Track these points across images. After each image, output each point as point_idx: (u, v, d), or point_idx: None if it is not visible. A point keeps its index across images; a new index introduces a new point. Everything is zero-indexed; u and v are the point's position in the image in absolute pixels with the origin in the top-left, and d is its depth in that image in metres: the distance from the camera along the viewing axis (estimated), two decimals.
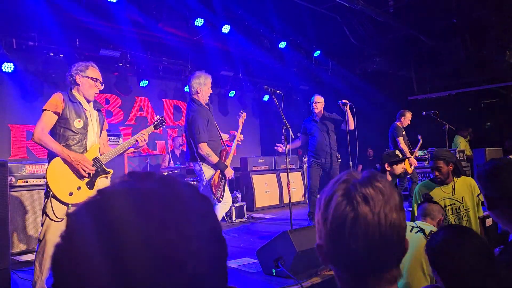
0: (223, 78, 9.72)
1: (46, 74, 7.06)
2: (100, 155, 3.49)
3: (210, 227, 0.58)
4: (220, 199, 4.46)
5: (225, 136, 4.85)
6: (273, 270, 3.57)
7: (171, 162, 8.06)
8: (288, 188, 4.87)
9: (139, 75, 8.56)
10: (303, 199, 9.09)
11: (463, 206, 3.69)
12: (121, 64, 8.01)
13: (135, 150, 3.74)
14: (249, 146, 10.14)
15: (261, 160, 8.69)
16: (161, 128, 3.94)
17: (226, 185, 4.60)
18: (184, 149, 8.66)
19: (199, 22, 7.51)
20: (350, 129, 6.07)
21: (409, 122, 7.58)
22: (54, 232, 3.14)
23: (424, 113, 8.31)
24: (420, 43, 9.77)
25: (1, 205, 3.31)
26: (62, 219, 3.17)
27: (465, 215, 3.68)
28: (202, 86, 4.53)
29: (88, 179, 3.34)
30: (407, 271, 2.43)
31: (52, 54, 7.04)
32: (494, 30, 8.82)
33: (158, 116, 3.91)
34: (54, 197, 3.18)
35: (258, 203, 8.20)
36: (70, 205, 3.21)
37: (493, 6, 8.43)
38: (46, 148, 3.22)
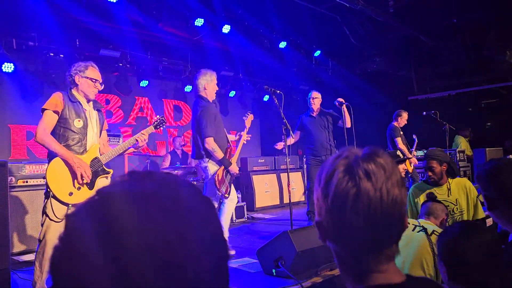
0: (223, 78, 9.71)
1: (46, 74, 7.05)
2: (100, 155, 3.49)
3: (211, 228, 0.57)
4: (226, 195, 4.48)
5: (231, 137, 4.88)
6: (273, 270, 3.57)
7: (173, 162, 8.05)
8: (288, 188, 4.88)
9: (139, 75, 8.55)
10: (304, 199, 9.08)
11: (457, 208, 3.65)
12: (121, 64, 8.01)
13: (135, 150, 3.74)
14: (249, 146, 10.13)
15: (261, 160, 8.69)
16: (161, 128, 3.94)
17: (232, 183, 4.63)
18: (185, 149, 8.69)
19: (199, 22, 7.51)
20: (348, 127, 6.09)
21: (406, 122, 7.58)
22: (54, 232, 3.14)
23: (424, 113, 8.31)
24: (420, 43, 9.77)
25: (1, 205, 3.31)
26: (62, 219, 3.17)
27: (459, 217, 3.63)
28: (209, 82, 4.60)
29: (90, 178, 3.34)
30: (408, 270, 2.43)
31: (52, 54, 7.04)
32: (494, 30, 8.81)
33: (158, 116, 3.91)
34: (54, 197, 3.18)
35: (258, 203, 8.20)
36: (70, 205, 3.21)
37: (493, 6, 8.43)
38: (48, 148, 3.22)
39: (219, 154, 4.42)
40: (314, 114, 6.35)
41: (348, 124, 6.10)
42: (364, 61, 10.56)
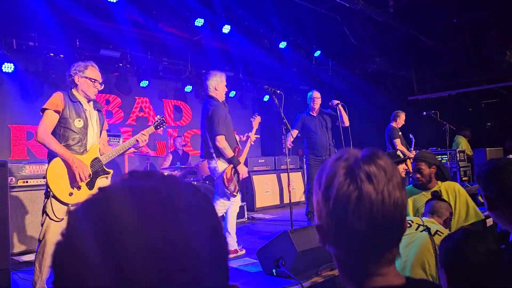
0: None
1: (46, 74, 7.05)
2: (100, 155, 3.50)
3: (211, 226, 0.58)
4: (235, 194, 4.54)
5: (238, 138, 4.93)
6: (274, 270, 3.57)
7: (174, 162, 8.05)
8: (288, 188, 4.89)
9: (139, 75, 8.55)
10: (304, 199, 9.08)
11: None
12: (121, 64, 8.01)
13: (135, 150, 3.74)
14: (250, 146, 10.13)
15: (262, 160, 8.69)
16: (161, 128, 3.95)
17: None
18: (185, 150, 8.70)
19: (199, 22, 7.51)
20: (346, 126, 6.13)
21: (404, 122, 7.59)
22: (54, 232, 3.15)
23: (424, 113, 8.31)
24: (420, 43, 9.77)
25: (1, 205, 3.31)
26: (62, 219, 3.17)
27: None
28: (219, 83, 4.68)
29: (88, 179, 3.34)
30: (410, 269, 2.43)
31: (52, 54, 7.04)
32: (494, 30, 8.81)
33: (158, 116, 3.91)
34: (54, 197, 3.18)
35: (259, 203, 8.20)
36: (70, 205, 3.22)
37: (493, 6, 8.43)
38: (48, 148, 3.22)
39: (229, 153, 4.46)
40: (315, 114, 6.36)
41: (347, 123, 6.14)
42: (364, 61, 10.55)
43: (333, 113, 6.34)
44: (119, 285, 0.49)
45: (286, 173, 4.93)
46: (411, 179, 7.40)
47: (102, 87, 3.56)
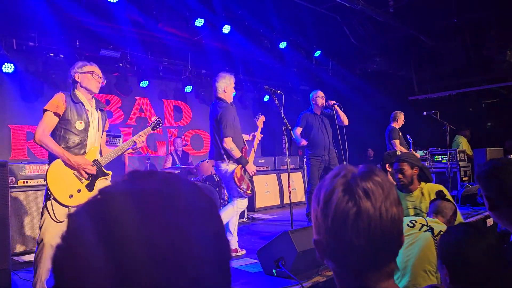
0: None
1: (46, 75, 7.06)
2: (100, 156, 3.50)
3: (213, 228, 0.57)
4: (248, 192, 4.62)
5: (246, 137, 4.98)
6: (274, 271, 3.57)
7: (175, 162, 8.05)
8: (288, 189, 4.90)
9: (139, 75, 8.55)
10: (304, 199, 9.08)
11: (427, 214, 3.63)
12: (121, 65, 8.01)
13: (133, 151, 3.76)
14: (250, 146, 10.13)
15: (262, 161, 8.69)
16: (158, 129, 3.96)
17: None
18: (185, 150, 8.69)
19: (199, 22, 7.51)
20: (345, 124, 6.18)
21: (403, 122, 7.60)
22: (53, 235, 3.14)
23: (424, 113, 8.30)
24: (420, 43, 9.77)
25: (1, 205, 3.31)
26: (63, 221, 3.17)
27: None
28: (228, 85, 4.75)
29: (87, 182, 3.34)
30: (411, 269, 2.43)
31: (52, 54, 7.04)
32: (494, 30, 8.81)
33: (154, 117, 3.92)
34: (55, 199, 3.19)
35: (259, 204, 8.20)
36: (70, 207, 3.22)
37: (493, 6, 8.43)
38: (47, 149, 3.22)
39: (237, 153, 4.53)
40: (318, 113, 6.37)
41: (345, 121, 6.17)
42: (364, 61, 10.56)
43: (333, 113, 6.35)
44: (120, 287, 0.48)
45: (286, 173, 4.94)
46: None
47: (104, 82, 3.56)
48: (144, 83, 8.63)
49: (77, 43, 7.24)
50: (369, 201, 0.90)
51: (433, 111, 8.19)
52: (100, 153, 3.54)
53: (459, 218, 3.67)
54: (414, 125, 8.50)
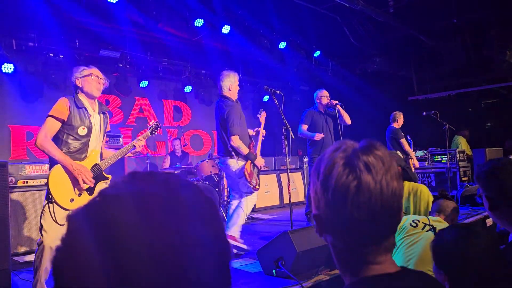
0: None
1: (46, 75, 7.05)
2: (101, 160, 3.51)
3: (213, 230, 0.57)
4: (257, 187, 4.72)
5: (250, 131, 5.07)
6: (274, 271, 3.57)
7: (172, 163, 8.05)
8: (288, 189, 4.91)
9: (139, 75, 8.55)
10: (304, 200, 9.08)
11: (404, 214, 3.63)
12: (121, 65, 8.01)
13: (133, 155, 3.80)
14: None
15: None
16: (156, 132, 3.97)
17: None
18: (184, 150, 8.69)
19: (199, 22, 7.50)
20: (348, 124, 6.19)
21: (403, 122, 7.60)
22: (53, 237, 3.15)
23: (424, 113, 8.31)
24: (420, 43, 9.77)
25: (1, 206, 3.31)
26: (63, 224, 3.17)
27: None
28: (233, 83, 4.85)
29: (93, 182, 3.35)
30: (413, 267, 2.43)
31: (52, 55, 7.04)
32: (494, 30, 8.81)
33: (152, 121, 3.96)
34: (56, 203, 3.19)
35: (259, 204, 8.19)
36: (70, 211, 3.22)
37: (493, 6, 8.43)
38: (48, 154, 3.22)
39: (245, 150, 4.63)
40: (322, 111, 6.37)
41: (348, 121, 6.18)
42: (364, 61, 10.56)
43: (334, 113, 6.34)
44: None
45: (286, 173, 4.94)
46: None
47: (107, 84, 3.56)
48: (143, 83, 8.63)
49: (77, 43, 7.23)
50: (370, 175, 0.89)
51: (433, 111, 8.19)
52: (100, 155, 3.54)
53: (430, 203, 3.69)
54: (414, 125, 8.51)
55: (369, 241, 0.93)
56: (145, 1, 6.89)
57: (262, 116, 5.25)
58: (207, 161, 7.39)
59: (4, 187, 3.39)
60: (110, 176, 3.53)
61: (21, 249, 4.85)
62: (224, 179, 7.57)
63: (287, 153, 5.27)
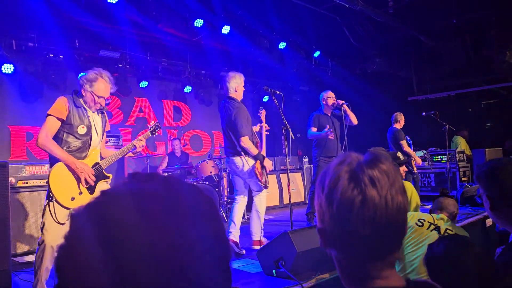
0: (223, 79, 9.71)
1: (46, 75, 7.05)
2: (101, 159, 3.51)
3: (213, 229, 0.57)
4: (267, 185, 4.88)
5: (254, 128, 5.16)
6: (274, 271, 3.57)
7: (172, 163, 8.04)
8: (288, 189, 4.94)
9: (139, 76, 8.55)
10: (304, 200, 9.09)
11: None
12: (120, 65, 8.00)
13: (133, 154, 3.79)
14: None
15: None
16: (157, 132, 3.98)
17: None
18: (184, 150, 8.69)
19: (198, 23, 7.51)
20: (354, 124, 6.20)
21: (404, 123, 7.60)
22: (54, 236, 3.15)
23: (424, 113, 8.31)
24: (420, 43, 9.77)
25: (2, 206, 3.31)
26: (64, 223, 3.17)
27: None
28: (239, 85, 4.94)
29: (94, 180, 3.35)
30: (417, 266, 2.45)
31: (52, 55, 7.03)
32: (494, 30, 8.81)
33: (153, 122, 3.96)
34: (57, 201, 3.19)
35: None
36: (71, 210, 3.22)
37: (493, 6, 8.43)
38: (50, 153, 3.22)
39: (254, 150, 4.75)
40: (329, 113, 6.35)
41: (354, 121, 6.17)
42: (364, 61, 10.55)
43: (340, 114, 6.32)
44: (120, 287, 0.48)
45: (286, 174, 4.96)
46: (412, 181, 7.43)
47: (109, 102, 3.57)
48: (143, 84, 8.63)
49: (77, 44, 7.23)
50: (374, 189, 0.89)
51: (433, 112, 8.20)
52: (100, 155, 3.55)
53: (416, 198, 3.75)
54: (414, 125, 8.51)
55: (374, 255, 0.93)
56: (145, 1, 6.89)
57: (263, 114, 5.36)
58: (207, 162, 7.39)
59: (5, 188, 3.39)
60: (111, 175, 3.54)
61: (21, 250, 4.85)
62: (224, 179, 7.57)
63: (287, 153, 5.29)
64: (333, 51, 10.49)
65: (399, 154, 3.97)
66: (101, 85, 3.41)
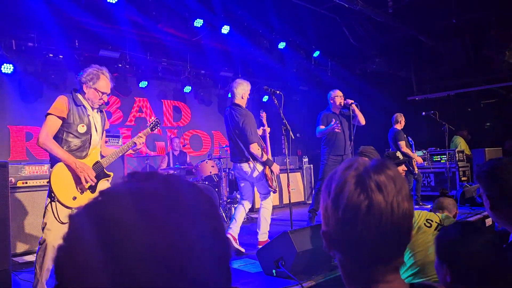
0: (222, 79, 9.72)
1: (46, 75, 7.05)
2: (101, 158, 3.51)
3: (213, 228, 0.57)
4: (276, 189, 4.96)
5: (258, 131, 5.19)
6: (274, 271, 3.57)
7: (170, 163, 8.05)
8: (288, 189, 4.95)
9: (139, 76, 8.55)
10: (304, 200, 9.10)
11: None
12: (120, 65, 8.00)
13: (133, 152, 3.78)
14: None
15: None
16: (157, 128, 3.97)
17: None
18: (183, 150, 8.69)
19: (198, 23, 7.51)
20: (362, 124, 6.21)
21: (404, 123, 7.61)
22: (55, 236, 3.15)
23: (423, 113, 8.31)
24: (420, 43, 9.77)
25: (1, 206, 3.31)
26: (66, 222, 3.16)
27: None
28: (246, 92, 4.98)
29: (94, 181, 3.35)
30: (427, 270, 2.47)
31: (52, 55, 7.03)
32: (494, 30, 8.81)
33: (153, 118, 3.96)
34: (58, 201, 3.19)
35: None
36: (73, 209, 3.23)
37: (493, 6, 8.43)
38: (50, 153, 3.22)
39: (264, 157, 4.80)
40: (337, 112, 6.35)
41: (362, 121, 6.17)
42: (364, 61, 10.55)
43: (348, 113, 6.32)
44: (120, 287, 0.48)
45: (286, 174, 4.96)
46: (414, 181, 7.44)
47: (109, 102, 3.57)
48: (143, 84, 8.63)
49: (76, 44, 7.23)
50: (381, 195, 0.90)
51: (432, 111, 8.20)
52: (101, 154, 3.55)
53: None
54: (413, 125, 8.51)
55: (378, 260, 0.93)
56: (145, 1, 6.89)
57: (264, 117, 5.44)
58: (206, 161, 7.40)
59: (5, 187, 3.39)
60: (111, 174, 3.53)
61: (20, 250, 4.84)
62: (224, 179, 7.57)
63: (286, 153, 5.30)
64: (333, 51, 10.49)
65: (398, 154, 3.96)
66: (103, 81, 3.43)
